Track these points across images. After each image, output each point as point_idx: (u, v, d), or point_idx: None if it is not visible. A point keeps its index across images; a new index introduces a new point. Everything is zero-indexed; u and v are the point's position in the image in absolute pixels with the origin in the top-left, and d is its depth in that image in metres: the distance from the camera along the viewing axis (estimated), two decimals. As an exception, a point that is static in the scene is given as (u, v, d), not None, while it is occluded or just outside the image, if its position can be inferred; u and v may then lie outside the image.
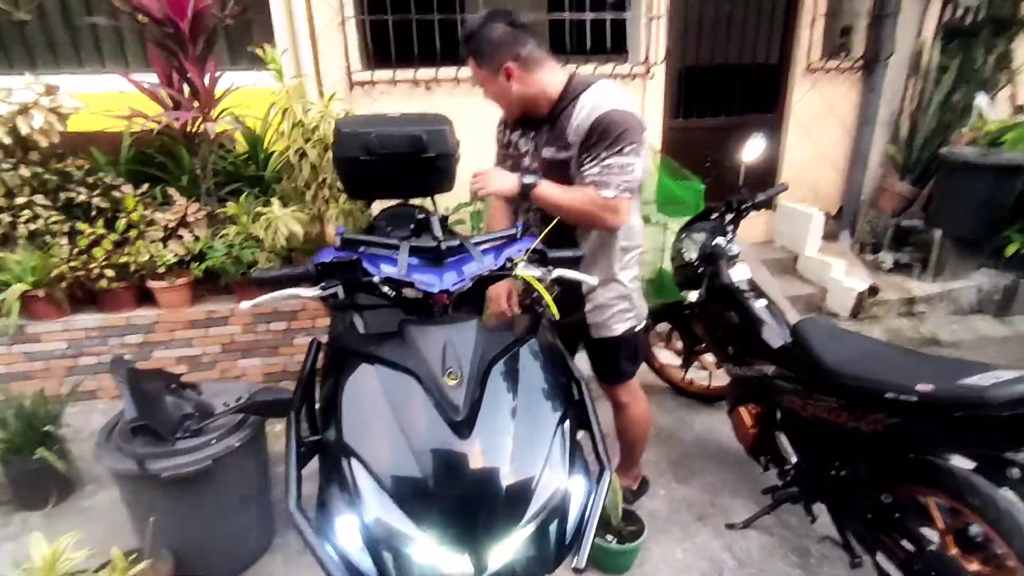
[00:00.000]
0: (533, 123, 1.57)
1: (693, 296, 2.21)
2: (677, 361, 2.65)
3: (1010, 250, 3.47)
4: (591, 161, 1.43)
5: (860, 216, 4.11)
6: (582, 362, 1.88)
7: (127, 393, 1.60)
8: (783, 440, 1.84)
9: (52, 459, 1.97)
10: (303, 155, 2.53)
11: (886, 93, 3.89)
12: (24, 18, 2.95)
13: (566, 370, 1.25)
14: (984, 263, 3.71)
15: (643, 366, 2.21)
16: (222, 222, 2.73)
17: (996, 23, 3.83)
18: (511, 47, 1.43)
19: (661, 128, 3.72)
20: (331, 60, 3.10)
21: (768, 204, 2.16)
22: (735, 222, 2.13)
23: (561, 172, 1.52)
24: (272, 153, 3.00)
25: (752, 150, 2.13)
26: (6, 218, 2.50)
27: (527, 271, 1.23)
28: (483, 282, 1.24)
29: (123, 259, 2.54)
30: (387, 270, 1.12)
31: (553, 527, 1.02)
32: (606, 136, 1.40)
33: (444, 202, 2.63)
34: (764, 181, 3.85)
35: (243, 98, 2.80)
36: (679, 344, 2.62)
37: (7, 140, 2.45)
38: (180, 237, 2.66)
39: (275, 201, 2.60)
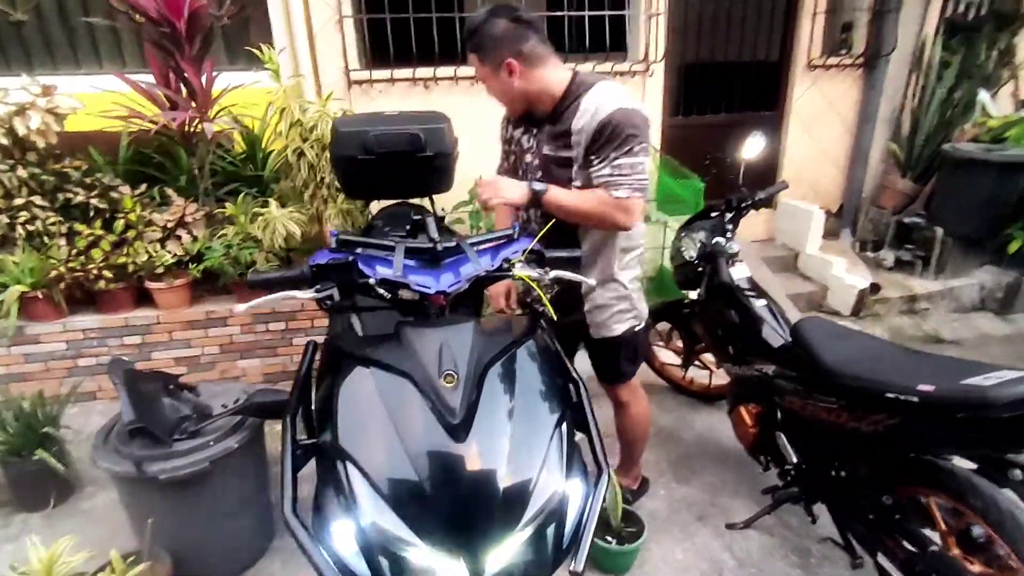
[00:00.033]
0: (535, 120, 1.56)
1: (693, 295, 2.20)
2: (677, 360, 2.64)
3: (1013, 247, 3.45)
4: (601, 162, 1.42)
5: (861, 213, 4.09)
6: (583, 361, 1.88)
7: (124, 395, 1.59)
8: (783, 440, 1.83)
9: (51, 461, 1.97)
10: (301, 155, 2.53)
11: (887, 89, 3.87)
12: (21, 19, 2.94)
13: (564, 371, 1.24)
14: (986, 261, 3.69)
15: (643, 365, 2.20)
16: (220, 222, 2.73)
17: (999, 18, 3.80)
18: (513, 43, 1.42)
19: (661, 126, 3.71)
20: (329, 59, 3.09)
21: (768, 202, 2.14)
22: (735, 221, 2.12)
23: (562, 169, 1.51)
24: (270, 153, 2.99)
25: (752, 148, 2.11)
26: (4, 219, 2.49)
27: (524, 272, 1.22)
28: (481, 283, 1.23)
29: (121, 260, 2.54)
30: (383, 271, 1.12)
31: (551, 530, 1.01)
32: (614, 137, 1.39)
33: (443, 201, 2.62)
34: (765, 179, 3.83)
35: (241, 98, 2.79)
36: (679, 343, 2.61)
37: (4, 141, 2.45)
38: (178, 238, 2.66)
39: (272, 201, 2.60)
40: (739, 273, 2.03)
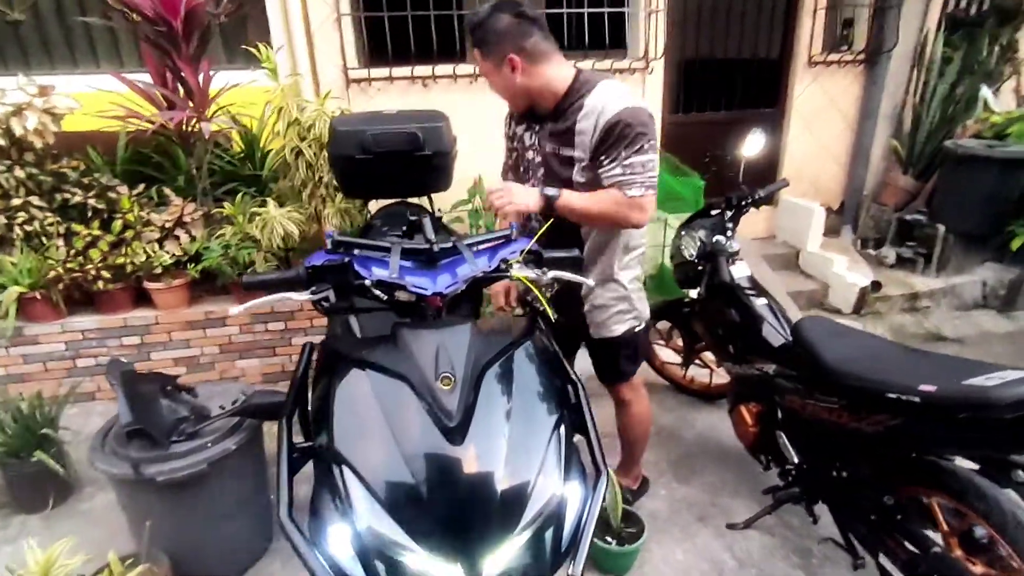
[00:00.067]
0: (538, 117, 1.55)
1: (693, 293, 2.19)
2: (677, 359, 2.63)
3: (1015, 244, 3.43)
4: (611, 162, 1.41)
5: (862, 211, 4.07)
6: (584, 359, 1.87)
7: (122, 397, 1.59)
8: (784, 439, 1.82)
9: (50, 462, 1.97)
10: (299, 154, 2.51)
11: (889, 86, 3.85)
12: (18, 18, 2.93)
13: (562, 372, 1.23)
14: (989, 257, 3.67)
15: (644, 364, 2.19)
16: (219, 222, 2.72)
17: (1001, 13, 3.78)
18: (516, 38, 1.41)
19: (660, 124, 3.68)
20: (327, 57, 3.07)
21: (769, 200, 2.13)
22: (735, 219, 2.11)
23: (564, 168, 1.50)
24: (269, 152, 2.98)
25: (752, 146, 2.10)
26: (2, 220, 2.49)
27: (522, 272, 1.21)
28: (479, 283, 1.22)
29: (120, 260, 2.53)
30: (379, 273, 1.11)
31: (549, 534, 1.00)
32: (624, 136, 1.39)
33: (442, 200, 2.61)
34: (765, 176, 3.81)
35: (240, 96, 2.78)
36: (679, 342, 2.60)
37: (2, 142, 2.44)
38: (177, 238, 2.65)
39: (270, 201, 2.59)
40: (739, 272, 2.02)
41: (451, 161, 2.26)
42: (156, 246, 2.60)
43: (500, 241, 1.25)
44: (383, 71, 3.14)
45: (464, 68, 3.21)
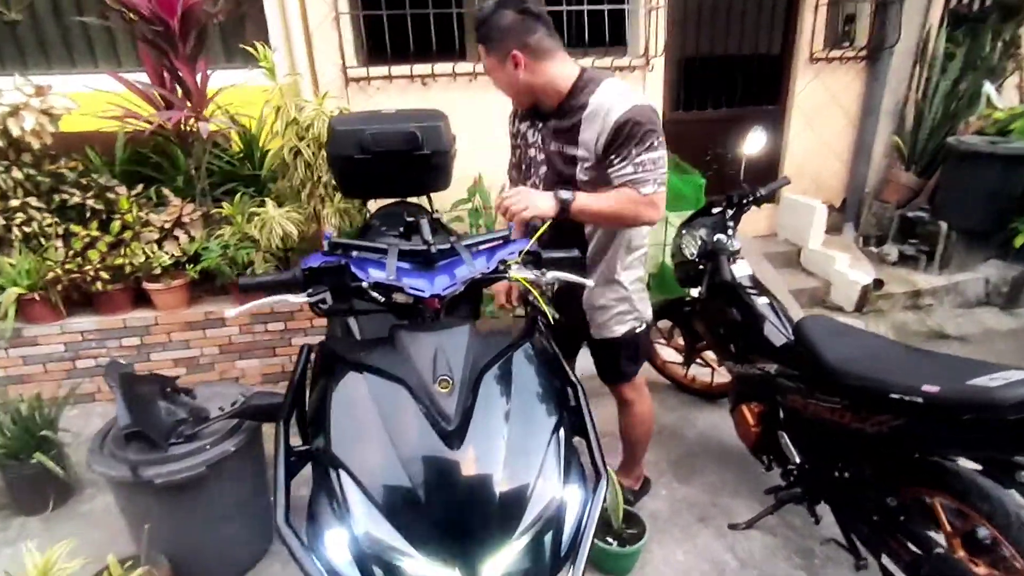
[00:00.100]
0: (542, 114, 1.54)
1: (695, 292, 2.18)
2: (679, 358, 2.62)
3: (1018, 241, 3.41)
4: (622, 161, 1.41)
5: (864, 208, 4.05)
6: (585, 358, 1.86)
7: (120, 399, 1.58)
8: (786, 439, 1.81)
9: (49, 464, 1.96)
10: (297, 154, 2.50)
11: (891, 82, 3.82)
12: (15, 18, 2.92)
13: (561, 374, 1.22)
14: (991, 255, 3.65)
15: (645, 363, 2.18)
16: (218, 222, 2.71)
17: (1004, 8, 3.75)
18: (520, 34, 1.40)
19: (661, 121, 3.67)
20: (326, 56, 3.06)
21: (770, 198, 2.11)
22: (736, 217, 2.09)
23: (567, 166, 1.49)
24: (268, 152, 2.97)
25: (753, 144, 2.08)
26: (0, 221, 2.48)
27: (521, 273, 1.20)
28: (478, 284, 1.21)
29: (118, 261, 2.52)
30: (376, 274, 1.10)
31: (548, 537, 0.99)
32: (633, 135, 1.38)
33: (442, 199, 2.60)
34: (767, 173, 3.79)
35: (239, 96, 2.77)
36: (681, 341, 2.59)
37: (-1, 142, 2.43)
38: (176, 238, 2.64)
39: (269, 201, 2.58)
40: (741, 271, 2.00)
41: (450, 160, 2.24)
42: (155, 247, 2.59)
43: (498, 242, 1.24)
44: (382, 70, 3.13)
45: (463, 66, 3.19)
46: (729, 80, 3.82)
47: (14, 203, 2.48)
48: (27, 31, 3.01)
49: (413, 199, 2.37)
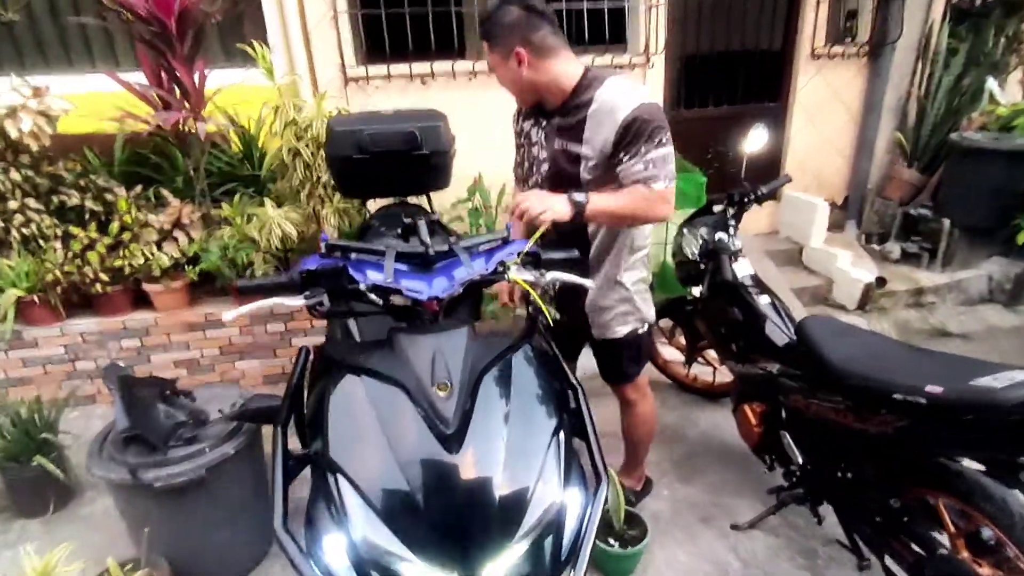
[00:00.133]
0: (546, 113, 1.54)
1: (696, 291, 2.17)
2: (680, 357, 2.61)
3: (1022, 238, 3.39)
4: (632, 159, 1.40)
5: (867, 205, 4.03)
6: (588, 358, 1.85)
7: (119, 402, 1.58)
8: (788, 440, 1.80)
9: (49, 466, 1.96)
10: (296, 154, 2.49)
11: (893, 78, 3.80)
12: (12, 19, 2.91)
13: (562, 376, 1.21)
14: (995, 252, 3.63)
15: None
16: (217, 223, 2.70)
17: (1007, 3, 3.72)
18: (523, 31, 1.40)
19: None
20: (325, 56, 3.05)
21: (771, 196, 2.10)
22: (737, 216, 2.08)
23: (571, 164, 1.49)
24: (267, 152, 2.96)
25: (754, 142, 2.07)
26: (-1, 223, 2.48)
27: (519, 275, 1.18)
28: (477, 286, 1.20)
29: (118, 262, 2.52)
30: (373, 277, 1.09)
31: (548, 542, 0.98)
32: (642, 133, 1.38)
33: (442, 199, 2.59)
34: (768, 171, 3.78)
35: (237, 96, 2.76)
36: (682, 340, 2.57)
37: (-3, 144, 2.43)
38: (175, 239, 2.63)
39: (268, 201, 2.57)
40: (742, 270, 1.99)
41: (449, 160, 2.24)
42: (154, 248, 2.59)
43: (497, 243, 1.22)
44: (381, 69, 3.12)
45: (463, 65, 3.18)
46: (730, 77, 3.80)
47: (13, 205, 2.48)
48: (24, 31, 3.00)
49: (413, 199, 2.36)
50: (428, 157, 2.08)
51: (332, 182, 2.47)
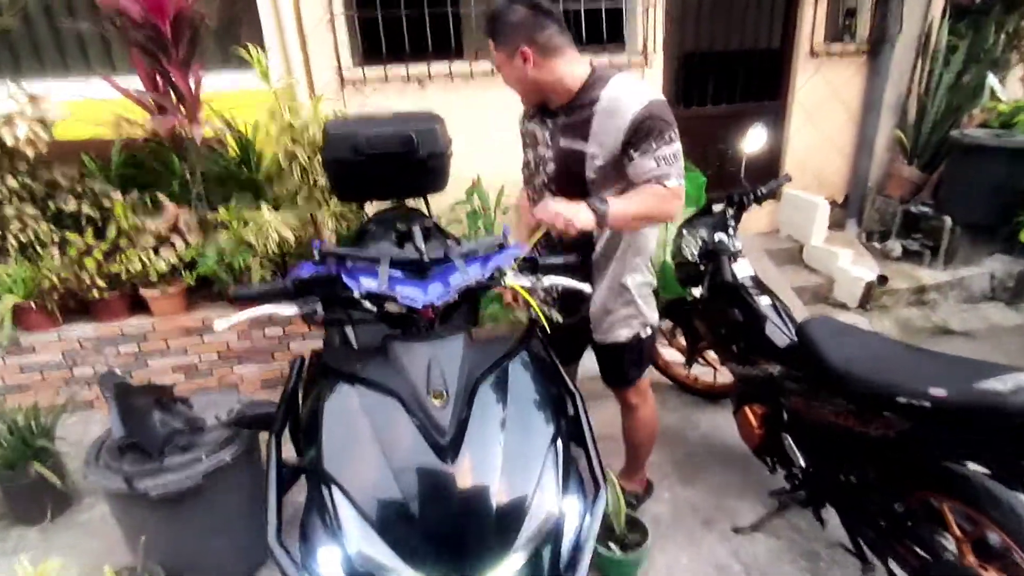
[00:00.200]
0: (551, 112, 1.53)
1: (696, 292, 2.15)
2: (681, 358, 2.59)
3: (1024, 235, 3.38)
4: (644, 156, 1.39)
5: (867, 203, 4.01)
6: (590, 358, 1.83)
7: (115, 410, 1.57)
8: (790, 442, 1.78)
9: (47, 474, 1.95)
10: (293, 158, 2.48)
11: (893, 76, 3.78)
12: (8, 25, 2.90)
13: (559, 383, 1.19)
14: (996, 249, 3.61)
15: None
16: (214, 228, 2.69)
17: (1007, 0, 3.70)
18: (529, 30, 1.39)
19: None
20: (321, 58, 3.04)
21: (771, 196, 2.08)
22: (737, 216, 2.06)
23: (577, 163, 1.48)
24: (264, 155, 2.95)
25: (753, 141, 2.05)
26: (-5, 229, 2.47)
27: (516, 280, 1.17)
28: (473, 292, 1.19)
29: (115, 268, 2.51)
30: (367, 284, 1.07)
31: (546, 552, 0.97)
32: (653, 130, 1.37)
33: (440, 201, 2.58)
34: (768, 169, 3.76)
35: (234, 99, 2.74)
36: (683, 341, 2.56)
37: (-7, 151, 2.41)
38: (172, 244, 2.62)
39: (265, 206, 2.55)
40: (742, 271, 1.97)
41: (446, 162, 2.22)
42: (151, 253, 2.57)
43: (494, 248, 1.21)
44: (378, 71, 3.10)
45: (460, 66, 3.16)
46: (729, 76, 3.78)
47: (9, 211, 2.47)
48: (20, 37, 2.99)
49: (410, 202, 2.35)
50: (425, 160, 2.06)
51: (329, 186, 2.45)
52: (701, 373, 2.62)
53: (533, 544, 0.94)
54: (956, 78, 3.68)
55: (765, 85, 3.84)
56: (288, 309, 1.09)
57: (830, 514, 1.72)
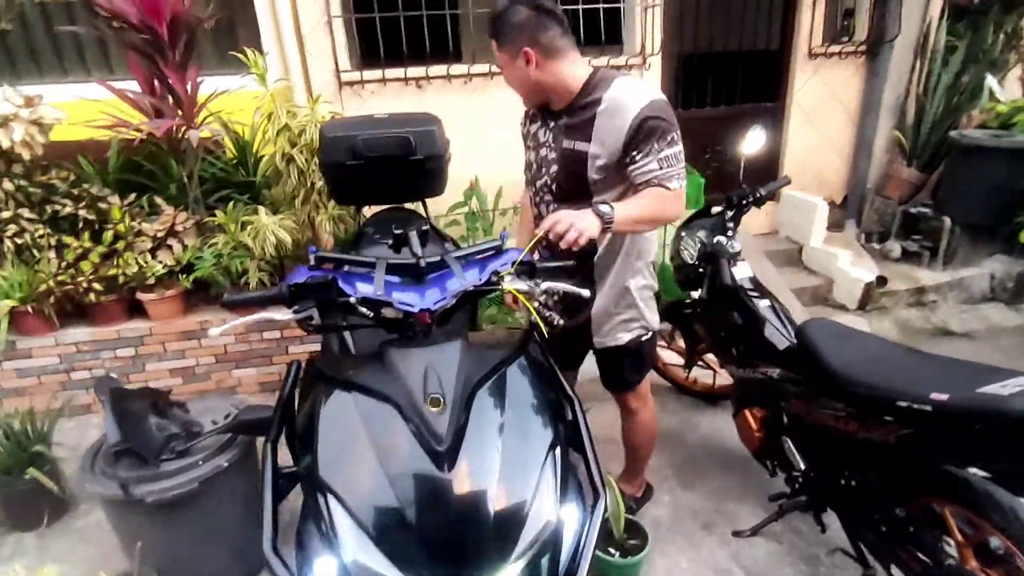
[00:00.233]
0: (553, 114, 1.53)
1: (695, 295, 2.14)
2: (680, 360, 2.58)
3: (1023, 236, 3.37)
4: (645, 158, 1.39)
5: (866, 204, 4.01)
6: (590, 360, 1.82)
7: (110, 415, 1.55)
8: (790, 446, 1.77)
9: (43, 479, 1.94)
10: (290, 160, 2.47)
11: (891, 76, 3.78)
12: (5, 28, 2.89)
13: (558, 388, 1.18)
14: (996, 250, 3.61)
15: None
16: (211, 231, 2.68)
17: (1006, 0, 3.70)
18: (531, 31, 1.38)
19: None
20: (319, 60, 3.03)
21: (770, 198, 2.08)
22: (736, 218, 2.05)
23: (579, 164, 1.47)
24: (262, 158, 2.94)
25: (752, 143, 2.04)
26: (-8, 233, 2.46)
27: (513, 285, 1.16)
28: (471, 296, 1.18)
29: (111, 271, 2.49)
30: (363, 289, 1.06)
31: (545, 560, 0.96)
32: (654, 131, 1.37)
33: (438, 204, 2.56)
34: (767, 171, 3.76)
35: (231, 102, 2.73)
36: (682, 343, 2.55)
37: (-11, 153, 2.40)
38: (169, 247, 2.61)
39: (262, 209, 2.54)
40: (741, 273, 1.96)
41: (444, 164, 2.21)
42: (148, 256, 2.56)
43: (490, 252, 1.20)
44: (376, 73, 3.09)
45: (458, 68, 3.16)
46: (727, 77, 3.77)
47: (6, 215, 2.45)
48: (17, 40, 2.98)
49: (408, 204, 2.34)
50: (423, 162, 2.05)
51: (327, 188, 2.45)
52: (700, 375, 2.61)
53: (532, 552, 0.93)
54: (955, 79, 3.68)
55: (764, 86, 3.84)
56: (283, 315, 1.07)
57: (831, 518, 1.71)
